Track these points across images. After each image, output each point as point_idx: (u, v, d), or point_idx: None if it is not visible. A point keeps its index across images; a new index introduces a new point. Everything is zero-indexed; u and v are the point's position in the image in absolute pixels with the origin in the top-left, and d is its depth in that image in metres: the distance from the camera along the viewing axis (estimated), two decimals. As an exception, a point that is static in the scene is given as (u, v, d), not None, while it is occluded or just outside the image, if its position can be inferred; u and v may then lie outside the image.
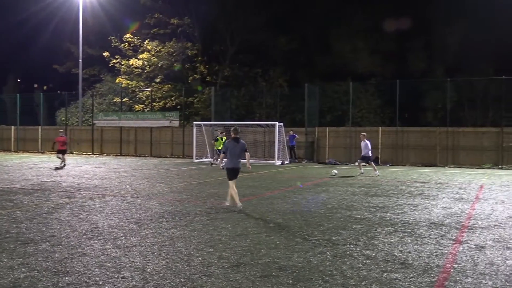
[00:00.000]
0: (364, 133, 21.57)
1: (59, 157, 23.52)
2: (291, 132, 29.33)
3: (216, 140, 23.66)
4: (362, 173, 21.09)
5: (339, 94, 36.88)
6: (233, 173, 11.15)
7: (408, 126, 30.10)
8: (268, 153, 30.39)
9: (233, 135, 11.24)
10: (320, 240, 8.09)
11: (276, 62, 42.29)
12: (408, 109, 35.13)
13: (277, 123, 28.15)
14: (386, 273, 6.28)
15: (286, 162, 28.02)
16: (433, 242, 8.08)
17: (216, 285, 5.75)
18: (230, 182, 11.17)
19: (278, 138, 28.08)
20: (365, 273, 6.27)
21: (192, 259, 6.87)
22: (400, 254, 7.23)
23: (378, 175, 20.52)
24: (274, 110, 36.12)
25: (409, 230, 8.99)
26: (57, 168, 22.55)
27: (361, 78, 38.41)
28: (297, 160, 29.36)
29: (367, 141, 20.79)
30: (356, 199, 13.25)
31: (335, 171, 21.15)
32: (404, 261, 6.84)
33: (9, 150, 40.48)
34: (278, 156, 28.00)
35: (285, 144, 28.80)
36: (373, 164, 21.19)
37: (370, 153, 20.93)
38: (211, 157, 29.01)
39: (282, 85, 40.12)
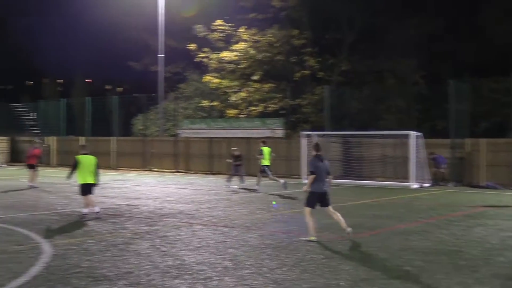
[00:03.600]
0: None
1: (31, 173, 24.08)
2: (435, 154, 28.53)
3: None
4: None
5: (499, 93, 35.34)
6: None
7: None
8: (401, 173, 29.68)
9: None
10: (476, 292, 7.78)
11: (409, 53, 41.36)
12: None
13: (412, 133, 27.50)
14: None
15: (426, 185, 27.26)
16: None
17: None
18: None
19: (415, 153, 27.39)
20: None
21: (304, 309, 6.88)
22: None
23: None
24: (407, 116, 35.36)
25: None
26: (31, 187, 23.42)
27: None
28: (441, 184, 28.46)
29: None
30: (525, 236, 12.60)
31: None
32: None
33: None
34: (415, 177, 27.29)
35: (425, 161, 28.04)
36: None
37: None
38: None
39: (418, 83, 39.15)
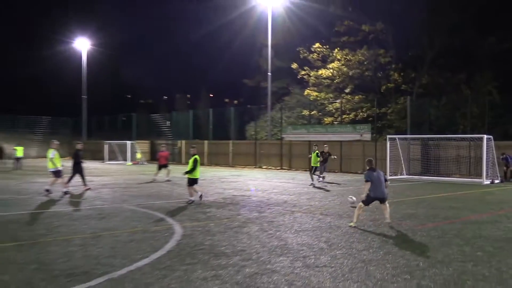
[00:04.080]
0: None
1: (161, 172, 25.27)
2: (506, 154, 27.00)
3: None
4: None
5: None
6: None
7: None
8: (474, 171, 28.37)
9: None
10: (542, 275, 7.28)
11: (484, 66, 39.41)
12: None
13: (485, 136, 26.19)
14: None
15: (496, 181, 25.85)
16: None
17: (414, 316, 5.54)
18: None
19: (487, 154, 26.06)
20: None
21: (387, 286, 6.73)
22: None
23: None
24: (481, 121, 33.70)
25: None
26: (167, 180, 24.30)
27: None
28: (511, 180, 26.88)
29: None
30: None
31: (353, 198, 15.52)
32: None
33: (202, 164, 44.34)
34: (487, 174, 25.96)
35: (495, 161, 26.59)
36: None
37: None
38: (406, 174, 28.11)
39: (491, 92, 37.24)
